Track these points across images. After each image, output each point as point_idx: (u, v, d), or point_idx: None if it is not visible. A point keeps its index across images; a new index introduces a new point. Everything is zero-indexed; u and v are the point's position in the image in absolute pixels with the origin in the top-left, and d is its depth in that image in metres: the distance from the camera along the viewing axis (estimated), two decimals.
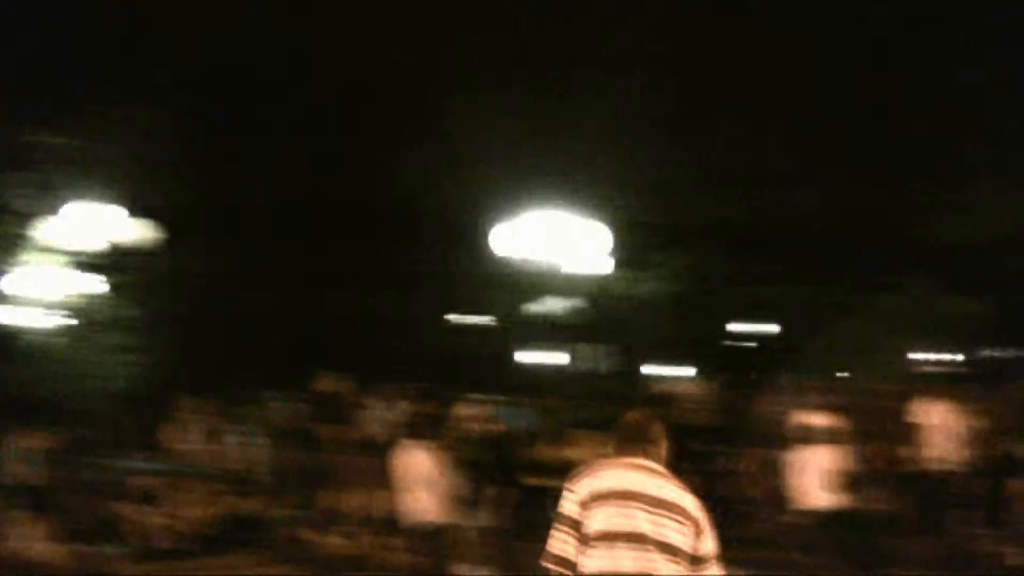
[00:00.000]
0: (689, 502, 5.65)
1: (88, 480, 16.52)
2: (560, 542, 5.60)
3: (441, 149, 27.69)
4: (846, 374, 23.78)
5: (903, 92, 24.69)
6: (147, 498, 16.58)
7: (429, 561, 12.15)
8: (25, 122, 27.03)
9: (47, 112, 27.39)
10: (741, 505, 16.00)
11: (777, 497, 14.92)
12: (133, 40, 29.89)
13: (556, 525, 5.65)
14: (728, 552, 13.01)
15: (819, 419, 14.84)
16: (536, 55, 28.70)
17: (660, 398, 18.59)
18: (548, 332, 27.00)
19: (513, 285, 25.19)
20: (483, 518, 14.44)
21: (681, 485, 5.70)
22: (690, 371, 27.95)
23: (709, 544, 5.64)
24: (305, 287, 27.76)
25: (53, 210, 22.69)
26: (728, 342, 28.53)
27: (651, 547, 5.47)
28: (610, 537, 5.50)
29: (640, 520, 5.50)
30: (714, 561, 5.67)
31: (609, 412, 18.99)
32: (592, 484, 5.67)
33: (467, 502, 13.43)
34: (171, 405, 20.17)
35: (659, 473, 5.73)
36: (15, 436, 16.45)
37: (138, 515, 16.25)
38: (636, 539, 5.47)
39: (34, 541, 14.63)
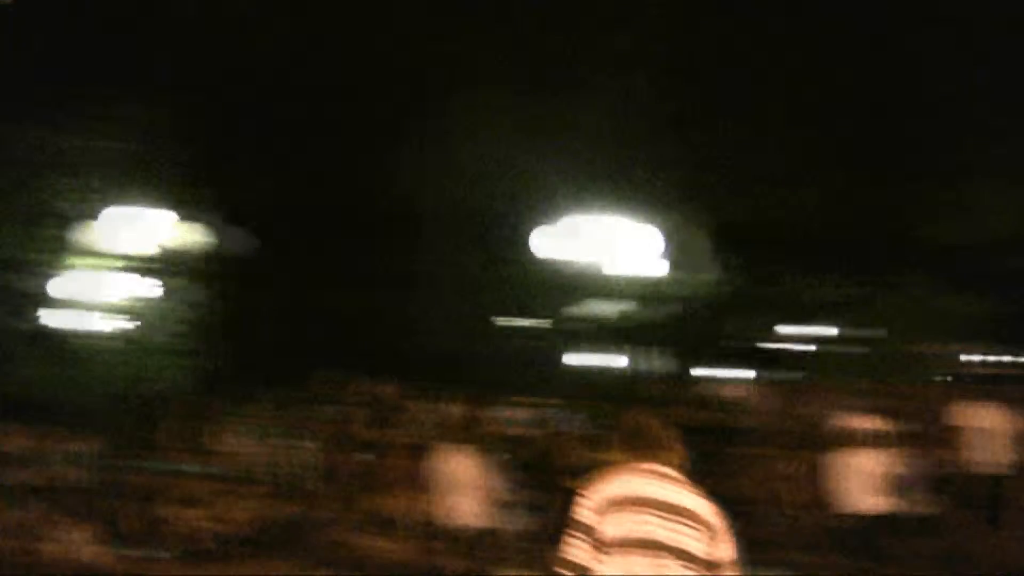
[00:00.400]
0: (704, 508, 5.62)
1: (131, 483, 16.58)
2: (574, 549, 5.57)
3: (485, 148, 27.72)
4: (893, 376, 23.64)
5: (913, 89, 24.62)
6: (190, 501, 16.64)
7: (471, 564, 12.15)
8: (65, 125, 27.28)
9: (85, 114, 27.63)
10: (780, 508, 15.91)
11: (819, 501, 14.84)
12: (157, 40, 30.14)
13: (570, 532, 5.62)
14: (766, 554, 13.01)
15: (863, 422, 14.76)
16: (580, 53, 28.73)
17: (700, 401, 18.50)
18: (597, 334, 26.91)
19: (560, 287, 25.13)
20: (524, 521, 14.40)
21: (696, 490, 5.67)
22: (742, 373, 27.90)
23: (725, 550, 5.60)
24: (350, 289, 27.80)
25: (96, 213, 22.81)
26: (777, 344, 28.35)
27: (666, 554, 5.44)
28: (625, 544, 5.47)
29: (654, 527, 5.48)
30: (731, 566, 5.64)
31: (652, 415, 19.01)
32: (606, 490, 5.65)
33: (509, 505, 13.41)
34: (217, 407, 20.27)
35: (673, 479, 5.71)
36: (59, 438, 16.55)
37: (181, 518, 16.30)
38: (651, 546, 5.45)
39: (78, 544, 14.68)
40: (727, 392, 19.66)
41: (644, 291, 26.55)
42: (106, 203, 23.88)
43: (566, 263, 24.03)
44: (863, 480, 14.14)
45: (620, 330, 27.44)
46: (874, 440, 14.41)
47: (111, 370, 24.83)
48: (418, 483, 14.41)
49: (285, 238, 27.25)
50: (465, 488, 12.02)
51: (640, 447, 5.84)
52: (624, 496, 5.60)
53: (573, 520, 5.64)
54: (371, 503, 16.62)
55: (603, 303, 25.26)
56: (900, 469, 14.46)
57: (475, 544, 12.08)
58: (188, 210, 26.40)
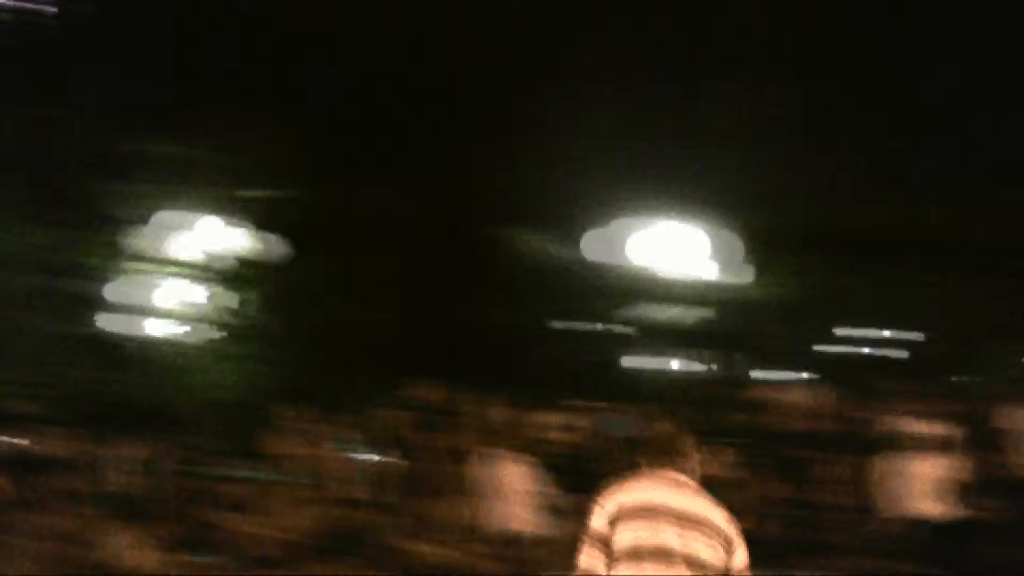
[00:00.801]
0: (719, 516, 5.56)
1: (184, 488, 16.64)
2: (588, 558, 5.53)
3: (550, 149, 27.70)
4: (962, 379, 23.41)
5: None
6: (242, 507, 16.66)
7: (516, 570, 12.09)
8: (130, 128, 27.57)
9: (153, 118, 27.91)
10: (836, 512, 15.71)
11: (875, 505, 14.67)
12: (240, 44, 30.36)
13: (584, 540, 5.56)
14: (820, 559, 12.85)
15: (921, 426, 14.60)
16: (661, 52, 28.64)
17: (755, 404, 18.31)
18: (656, 338, 26.79)
19: (621, 290, 25.04)
20: (571, 528, 14.26)
21: (711, 499, 5.59)
22: (806, 376, 27.69)
23: (741, 558, 5.53)
24: (407, 294, 27.85)
25: (158, 218, 22.98)
26: (844, 347, 28.07)
27: (680, 563, 5.36)
28: (638, 553, 5.42)
29: (668, 535, 5.41)
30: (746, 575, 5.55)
31: (706, 419, 18.89)
32: (621, 499, 5.61)
33: (555, 511, 13.32)
34: (275, 412, 20.32)
35: (688, 487, 5.66)
36: (113, 444, 16.64)
37: (233, 524, 16.33)
38: (664, 555, 5.39)
39: (130, 550, 14.74)
40: (788, 395, 19.37)
41: (701, 294, 26.46)
42: (171, 208, 24.03)
43: (621, 266, 23.92)
44: (922, 484, 13.95)
45: (680, 333, 27.32)
46: (930, 444, 14.24)
47: (175, 376, 25.02)
48: (467, 488, 14.37)
49: (336, 243, 27.32)
50: (511, 493, 11.93)
51: (655, 454, 5.80)
52: (638, 504, 5.57)
53: (587, 528, 5.55)
54: (422, 508, 16.55)
55: (661, 307, 25.09)
56: (960, 474, 14.26)
57: (522, 550, 11.99)
58: (255, 216, 26.59)
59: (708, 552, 5.41)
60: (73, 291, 26.70)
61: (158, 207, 24.58)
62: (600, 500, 5.65)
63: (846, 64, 26.00)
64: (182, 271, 22.10)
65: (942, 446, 14.31)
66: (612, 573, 5.45)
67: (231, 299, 26.22)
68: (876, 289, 25.63)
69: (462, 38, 29.55)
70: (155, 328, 24.94)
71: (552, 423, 16.53)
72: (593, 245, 24.26)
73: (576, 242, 25.15)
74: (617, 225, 23.79)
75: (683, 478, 5.65)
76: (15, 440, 16.91)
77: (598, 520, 5.56)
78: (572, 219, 25.94)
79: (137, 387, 25.84)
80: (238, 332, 26.51)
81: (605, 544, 5.49)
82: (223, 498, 16.86)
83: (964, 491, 14.51)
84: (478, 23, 29.75)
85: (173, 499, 16.05)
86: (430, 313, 27.41)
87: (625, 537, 5.45)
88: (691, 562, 5.37)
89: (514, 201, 27.78)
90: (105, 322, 26.21)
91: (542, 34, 29.05)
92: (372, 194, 27.77)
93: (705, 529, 5.45)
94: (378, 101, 28.97)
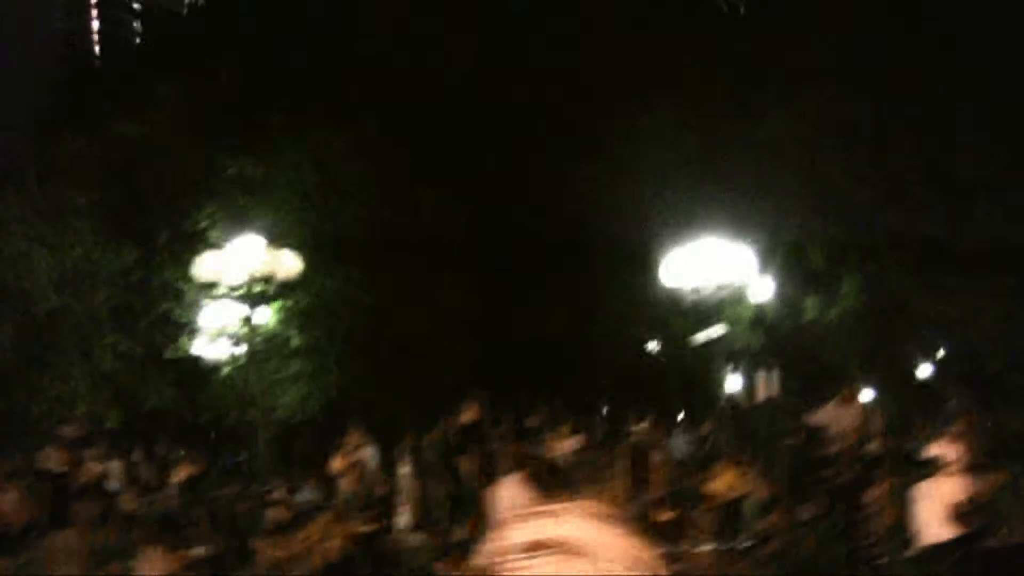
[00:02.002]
0: (632, 548, 5.44)
1: (223, 509, 16.83)
2: None
3: (622, 171, 27.73)
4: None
5: None
6: (283, 528, 16.83)
7: None
8: (216, 149, 28.02)
9: (236, 139, 28.35)
10: (869, 536, 15.54)
11: (906, 528, 14.47)
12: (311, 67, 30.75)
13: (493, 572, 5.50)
14: None
15: (950, 448, 14.41)
16: (723, 75, 28.60)
17: (800, 430, 18.14)
18: (719, 358, 26.63)
19: (687, 311, 24.91)
20: None
21: (631, 529, 5.52)
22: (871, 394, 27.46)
23: None
24: (476, 313, 27.96)
25: (231, 239, 23.26)
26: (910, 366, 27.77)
27: None
28: None
29: (579, 569, 5.34)
30: None
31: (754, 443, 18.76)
32: (527, 531, 5.52)
33: None
34: (326, 433, 20.50)
35: (602, 517, 5.55)
36: (157, 463, 16.88)
37: (272, 546, 16.49)
38: None
39: (163, 569, 14.88)
40: (838, 416, 19.14)
41: (769, 314, 26.33)
42: (243, 229, 24.32)
43: (692, 287, 23.82)
44: (949, 507, 13.75)
45: (746, 353, 27.18)
46: (959, 466, 14.03)
47: (232, 394, 25.34)
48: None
49: (405, 263, 27.47)
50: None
51: (579, 483, 5.74)
52: (526, 541, 5.48)
53: (489, 562, 5.54)
54: (466, 530, 16.58)
55: (730, 325, 24.94)
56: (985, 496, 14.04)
57: None
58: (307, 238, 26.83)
59: None
60: (143, 310, 27.16)
61: (228, 228, 24.86)
62: (502, 533, 5.59)
63: (906, 79, 25.79)
64: (247, 292, 22.30)
65: (972, 468, 14.10)
66: None
67: (289, 319, 26.47)
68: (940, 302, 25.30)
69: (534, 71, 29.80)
70: (218, 348, 25.23)
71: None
72: (666, 267, 24.16)
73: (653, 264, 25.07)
74: (685, 247, 23.68)
75: (599, 507, 5.58)
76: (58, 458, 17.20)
77: (498, 556, 5.51)
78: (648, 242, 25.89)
79: (197, 405, 26.25)
80: (292, 352, 26.79)
81: None
82: (261, 520, 17.04)
83: (994, 513, 14.31)
84: (534, 50, 29.99)
85: (209, 520, 16.18)
86: (495, 331, 27.54)
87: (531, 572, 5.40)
88: None
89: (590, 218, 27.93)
90: (173, 341, 26.62)
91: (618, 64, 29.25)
92: (446, 213, 27.99)
93: (616, 562, 5.38)
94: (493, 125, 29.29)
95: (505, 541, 5.40)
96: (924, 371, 28.32)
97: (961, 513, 13.81)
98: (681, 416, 26.67)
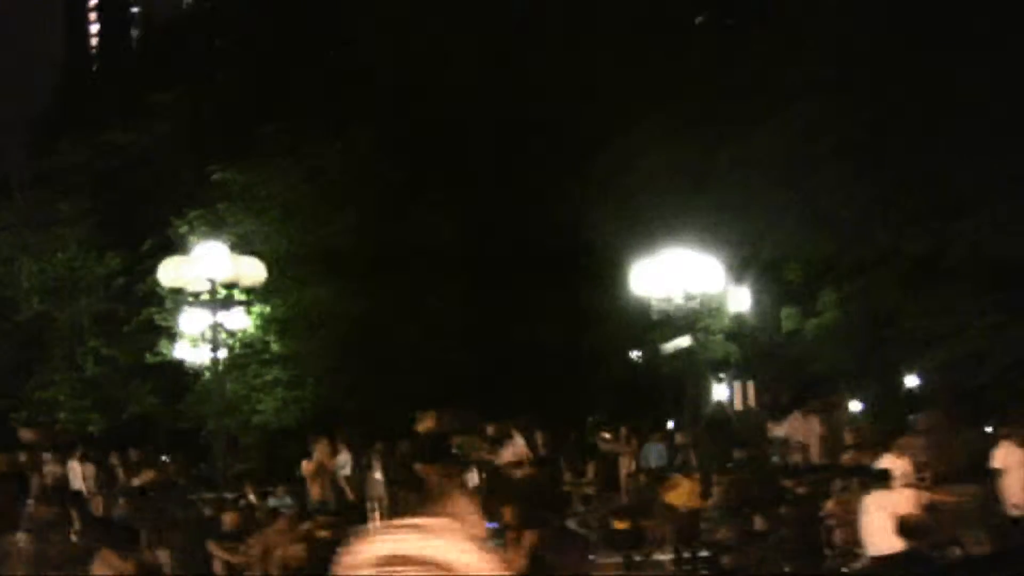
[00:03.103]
0: (476, 562, 5.39)
1: (179, 516, 16.83)
2: None
3: (607, 185, 27.80)
4: None
5: None
6: (239, 533, 16.82)
7: None
8: (206, 157, 28.12)
9: (227, 148, 28.45)
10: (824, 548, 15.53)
11: (856, 540, 14.48)
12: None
13: None
14: None
15: (894, 461, 14.44)
16: (708, 89, 28.62)
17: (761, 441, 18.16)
18: (697, 368, 26.54)
19: (660, 321, 24.90)
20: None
21: (472, 544, 5.45)
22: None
23: None
24: (463, 324, 28.04)
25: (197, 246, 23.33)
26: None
27: None
28: None
29: None
30: None
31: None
32: (368, 548, 5.49)
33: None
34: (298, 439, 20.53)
35: (443, 532, 5.47)
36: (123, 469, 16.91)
37: (226, 550, 16.49)
38: None
39: (115, 572, 14.88)
40: (803, 427, 19.18)
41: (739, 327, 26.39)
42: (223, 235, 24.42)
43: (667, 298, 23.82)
44: (895, 519, 13.75)
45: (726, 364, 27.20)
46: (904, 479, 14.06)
47: (211, 401, 25.40)
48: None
49: (396, 275, 27.57)
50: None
51: (422, 501, 5.65)
52: (389, 554, 5.45)
53: None
54: None
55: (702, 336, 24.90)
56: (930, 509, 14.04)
57: None
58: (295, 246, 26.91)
59: None
60: (125, 316, 27.24)
61: (209, 235, 24.92)
62: (349, 549, 5.49)
63: (898, 94, 25.81)
64: (213, 298, 22.38)
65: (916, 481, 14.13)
66: None
67: (267, 327, 26.53)
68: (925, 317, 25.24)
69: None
70: (198, 353, 25.24)
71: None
72: (640, 277, 24.15)
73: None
74: (664, 257, 23.67)
75: (440, 523, 5.47)
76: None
77: (352, 569, 5.50)
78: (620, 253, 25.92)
79: (178, 412, 26.31)
80: (269, 359, 26.84)
81: None
82: (216, 526, 17.04)
83: (942, 526, 14.31)
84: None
85: (164, 524, 16.15)
86: (483, 342, 27.63)
87: None
88: None
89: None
90: (154, 347, 26.68)
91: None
92: (433, 227, 28.12)
93: None
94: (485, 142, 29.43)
95: (367, 553, 5.40)
96: (911, 382, 28.15)
97: (911, 525, 13.80)
98: (670, 425, 26.70)
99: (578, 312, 28.69)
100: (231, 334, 24.02)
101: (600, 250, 27.82)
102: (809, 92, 26.42)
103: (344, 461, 20.33)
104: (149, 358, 26.33)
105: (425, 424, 17.05)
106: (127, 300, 27.56)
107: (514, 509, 13.11)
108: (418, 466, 12.71)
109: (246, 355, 25.79)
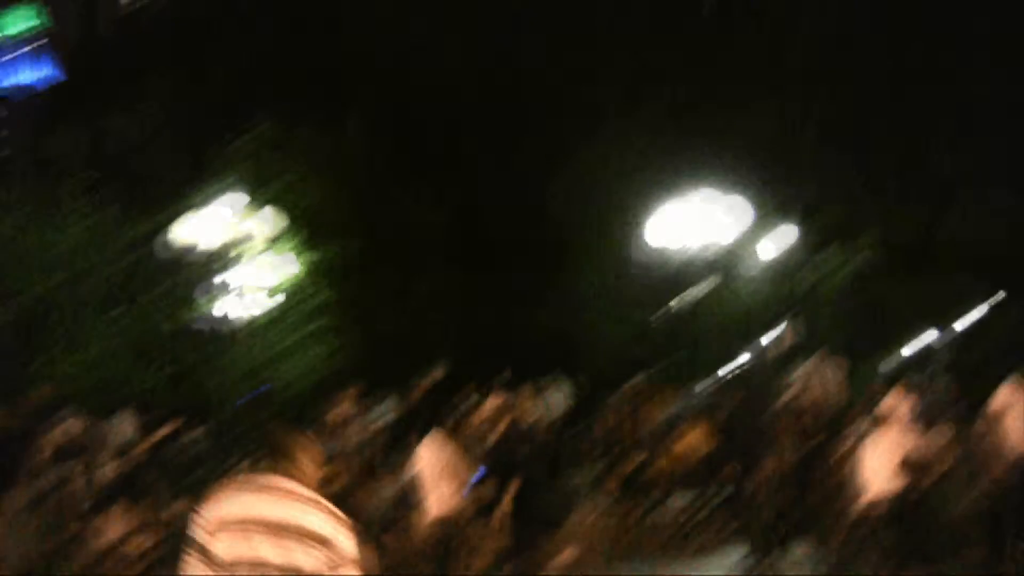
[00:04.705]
0: (325, 525, 5.42)
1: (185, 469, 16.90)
2: (192, 569, 5.40)
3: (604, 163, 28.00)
4: None
5: None
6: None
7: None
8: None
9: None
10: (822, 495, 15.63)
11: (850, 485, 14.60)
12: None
13: (187, 552, 5.44)
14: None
15: (898, 403, 14.57)
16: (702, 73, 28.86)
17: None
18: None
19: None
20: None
21: (322, 506, 5.47)
22: None
23: (350, 567, 5.41)
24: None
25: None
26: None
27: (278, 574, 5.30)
28: (236, 567, 5.30)
29: (265, 548, 5.32)
30: None
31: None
32: (220, 510, 5.44)
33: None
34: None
35: (294, 495, 5.47)
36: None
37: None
38: (261, 567, 5.28)
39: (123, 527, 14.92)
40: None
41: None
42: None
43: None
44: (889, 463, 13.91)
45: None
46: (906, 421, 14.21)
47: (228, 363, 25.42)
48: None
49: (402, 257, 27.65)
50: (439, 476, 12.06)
51: (264, 460, 5.65)
52: (236, 516, 5.40)
53: (189, 540, 5.47)
54: None
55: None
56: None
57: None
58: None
59: (308, 561, 5.34)
60: (143, 287, 27.15)
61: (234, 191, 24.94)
62: (200, 511, 5.50)
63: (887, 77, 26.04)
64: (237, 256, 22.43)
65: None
66: None
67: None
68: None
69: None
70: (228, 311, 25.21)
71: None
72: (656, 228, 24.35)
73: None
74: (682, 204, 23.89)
75: (290, 485, 5.50)
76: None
77: (199, 532, 5.44)
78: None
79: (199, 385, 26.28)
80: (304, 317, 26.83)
81: (207, 556, 5.39)
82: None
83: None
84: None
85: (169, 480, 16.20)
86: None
87: (224, 550, 5.36)
88: (292, 573, 5.31)
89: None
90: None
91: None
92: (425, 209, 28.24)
93: (305, 539, 5.36)
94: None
95: (212, 515, 5.43)
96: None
97: (907, 467, 13.93)
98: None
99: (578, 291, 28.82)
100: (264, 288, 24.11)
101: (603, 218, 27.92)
102: (797, 77, 26.65)
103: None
104: (175, 323, 26.16)
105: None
106: (137, 274, 27.32)
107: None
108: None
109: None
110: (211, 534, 5.37)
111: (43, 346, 26.70)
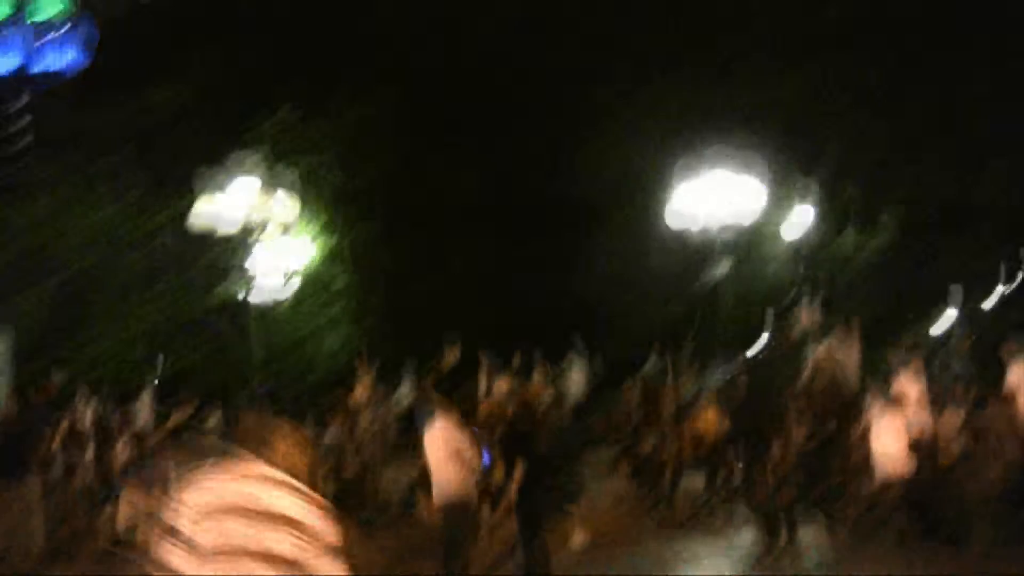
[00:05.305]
0: (303, 511, 5.35)
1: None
2: (172, 556, 5.33)
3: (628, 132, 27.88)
4: None
5: None
6: None
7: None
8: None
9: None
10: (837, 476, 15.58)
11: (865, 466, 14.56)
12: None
13: (167, 538, 5.35)
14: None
15: (910, 383, 14.48)
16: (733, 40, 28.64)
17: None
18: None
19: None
20: None
21: (299, 491, 5.39)
22: None
23: (327, 550, 5.36)
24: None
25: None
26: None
27: (258, 560, 5.31)
28: (217, 553, 5.32)
29: (244, 533, 5.26)
30: (330, 568, 5.49)
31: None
32: (199, 495, 5.34)
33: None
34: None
35: (272, 480, 5.38)
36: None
37: None
38: (241, 553, 5.28)
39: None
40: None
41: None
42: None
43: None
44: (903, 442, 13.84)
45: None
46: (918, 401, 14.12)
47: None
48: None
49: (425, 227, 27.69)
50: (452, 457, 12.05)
51: (241, 445, 5.60)
52: (216, 502, 5.32)
53: (167, 526, 5.39)
54: None
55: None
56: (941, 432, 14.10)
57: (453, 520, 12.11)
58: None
59: (287, 548, 5.30)
60: (178, 267, 27.32)
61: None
62: (180, 496, 5.41)
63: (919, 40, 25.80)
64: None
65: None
66: (195, 573, 5.28)
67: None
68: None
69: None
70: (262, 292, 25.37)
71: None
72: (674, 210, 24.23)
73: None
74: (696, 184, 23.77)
75: (266, 470, 5.42)
76: None
77: (179, 517, 5.37)
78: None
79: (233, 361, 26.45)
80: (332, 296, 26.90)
81: (187, 543, 5.34)
82: None
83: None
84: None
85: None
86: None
87: (204, 536, 5.31)
88: (269, 559, 5.27)
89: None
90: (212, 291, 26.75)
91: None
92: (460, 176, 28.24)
93: (283, 525, 5.31)
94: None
95: (190, 502, 5.41)
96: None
97: (922, 447, 13.88)
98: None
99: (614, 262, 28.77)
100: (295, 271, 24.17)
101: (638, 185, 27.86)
102: (827, 42, 26.41)
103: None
104: (209, 303, 26.36)
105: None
106: (174, 251, 27.50)
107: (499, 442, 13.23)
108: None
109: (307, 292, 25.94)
110: (193, 522, 5.36)
111: (76, 326, 26.75)
